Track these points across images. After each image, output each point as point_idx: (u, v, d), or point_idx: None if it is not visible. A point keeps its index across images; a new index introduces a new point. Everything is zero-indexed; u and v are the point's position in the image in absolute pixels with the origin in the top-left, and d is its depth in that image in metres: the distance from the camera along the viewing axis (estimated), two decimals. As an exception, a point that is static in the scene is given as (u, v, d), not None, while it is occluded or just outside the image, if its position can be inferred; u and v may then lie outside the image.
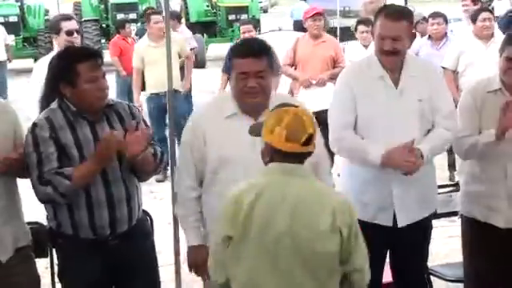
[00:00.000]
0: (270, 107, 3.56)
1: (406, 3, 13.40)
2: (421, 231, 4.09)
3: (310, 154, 3.03)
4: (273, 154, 3.01)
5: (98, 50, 3.98)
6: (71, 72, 3.65)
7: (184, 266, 4.33)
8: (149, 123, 4.30)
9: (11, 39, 14.41)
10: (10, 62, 15.06)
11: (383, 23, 3.97)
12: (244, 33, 7.10)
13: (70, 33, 6.00)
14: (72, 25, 6.11)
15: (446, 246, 4.48)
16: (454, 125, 4.01)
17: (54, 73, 3.81)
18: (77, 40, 5.95)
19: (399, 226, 3.99)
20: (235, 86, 3.66)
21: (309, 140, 2.95)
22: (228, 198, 3.03)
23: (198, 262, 3.75)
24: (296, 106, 3.13)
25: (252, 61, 3.59)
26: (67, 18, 6.57)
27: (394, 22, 3.92)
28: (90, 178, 3.63)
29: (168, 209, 4.81)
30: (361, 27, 8.83)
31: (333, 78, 7.94)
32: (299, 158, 3.01)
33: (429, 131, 3.99)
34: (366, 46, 8.35)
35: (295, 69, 8.13)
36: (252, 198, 2.96)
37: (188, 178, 3.78)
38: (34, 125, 3.67)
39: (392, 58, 3.95)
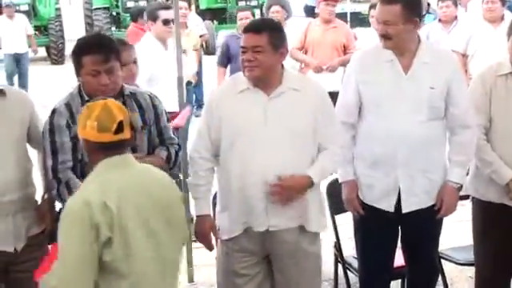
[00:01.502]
0: (284, 84, 3.72)
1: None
2: (429, 218, 4.06)
3: (128, 140, 3.06)
4: (95, 150, 3.03)
5: (110, 43, 3.91)
6: (78, 63, 3.69)
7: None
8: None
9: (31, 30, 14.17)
10: (36, 53, 15.01)
11: (378, 7, 4.01)
12: (241, 19, 7.03)
13: (166, 22, 6.17)
14: (169, 14, 6.22)
15: (455, 230, 4.49)
16: (472, 118, 3.99)
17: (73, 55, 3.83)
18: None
19: (403, 211, 3.98)
20: (240, 61, 3.75)
21: (120, 127, 2.95)
22: (79, 203, 2.95)
23: (206, 230, 3.85)
24: None
25: (250, 35, 3.70)
26: (166, 7, 6.68)
27: (386, 5, 3.93)
28: None
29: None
30: (373, 12, 8.80)
31: (343, 64, 7.97)
32: (120, 147, 3.03)
33: (436, 119, 3.97)
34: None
35: (305, 53, 8.14)
36: (108, 199, 2.93)
37: (204, 150, 3.81)
38: (54, 111, 3.70)
39: (385, 42, 3.94)
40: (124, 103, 3.70)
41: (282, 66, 3.82)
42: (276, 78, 3.73)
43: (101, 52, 3.64)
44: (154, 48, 6.39)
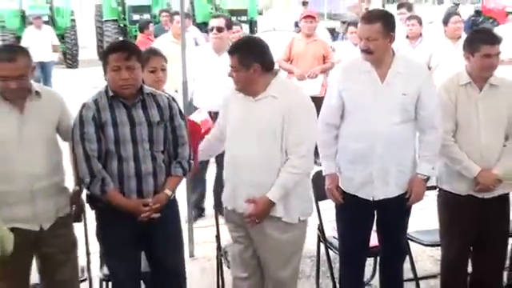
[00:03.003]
0: (268, 90, 3.80)
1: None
2: (400, 205, 4.08)
3: None
4: None
5: (132, 46, 3.95)
6: (105, 61, 3.73)
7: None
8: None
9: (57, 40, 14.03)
10: (59, 60, 14.86)
11: (360, 25, 4.03)
12: (212, 29, 7.01)
13: (211, 29, 6.28)
14: (215, 22, 6.32)
15: (420, 217, 4.53)
16: (438, 120, 4.03)
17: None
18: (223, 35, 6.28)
19: (375, 199, 4.02)
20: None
21: None
22: None
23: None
24: None
25: (229, 57, 3.84)
26: (215, 16, 6.81)
27: (368, 24, 3.94)
28: (114, 204, 3.72)
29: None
30: (351, 28, 8.88)
31: (322, 72, 8.10)
32: None
33: (408, 121, 3.99)
34: (355, 45, 8.37)
35: (290, 63, 8.21)
36: None
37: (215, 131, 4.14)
38: (83, 105, 3.72)
39: (366, 56, 3.96)
40: (143, 101, 3.75)
41: (276, 74, 3.90)
42: (259, 87, 3.81)
43: (123, 51, 3.69)
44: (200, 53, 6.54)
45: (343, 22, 8.79)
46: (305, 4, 16.41)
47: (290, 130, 3.74)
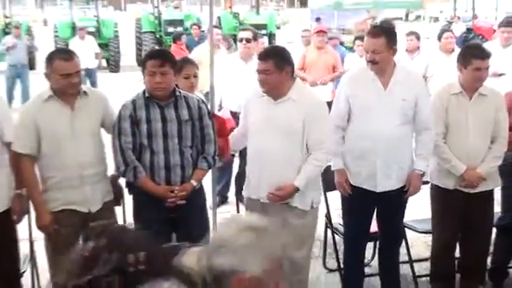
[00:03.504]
0: (289, 94, 3.78)
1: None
2: (398, 197, 4.07)
3: None
4: None
5: (167, 54, 3.98)
6: (144, 66, 3.74)
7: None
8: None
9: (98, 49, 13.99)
10: (100, 68, 14.70)
11: (366, 39, 4.01)
12: (241, 40, 6.83)
13: (241, 40, 6.30)
14: (244, 34, 6.36)
15: (414, 207, 4.50)
16: (431, 123, 4.03)
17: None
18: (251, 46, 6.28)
19: (378, 191, 4.00)
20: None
21: None
22: None
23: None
24: None
25: (260, 62, 3.77)
26: (244, 29, 6.81)
27: (373, 38, 3.92)
28: (144, 189, 3.75)
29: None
30: (358, 42, 8.85)
31: (332, 79, 8.07)
32: None
33: (406, 123, 3.97)
34: (361, 56, 8.34)
35: (304, 72, 8.18)
36: None
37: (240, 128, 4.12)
38: (123, 105, 3.76)
39: (372, 66, 3.94)
40: (175, 102, 3.76)
41: (295, 79, 3.88)
42: (284, 90, 3.79)
43: (158, 58, 3.71)
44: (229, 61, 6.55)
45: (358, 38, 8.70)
46: (318, 20, 16.32)
47: (311, 130, 3.74)
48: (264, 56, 3.80)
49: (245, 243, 1.81)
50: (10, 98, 11.39)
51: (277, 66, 3.71)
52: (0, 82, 11.32)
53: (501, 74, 6.73)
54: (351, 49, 10.51)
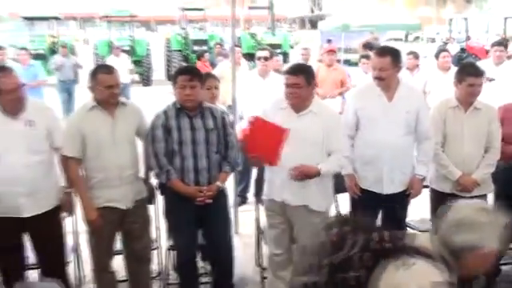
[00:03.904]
0: (310, 107, 3.74)
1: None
2: (401, 199, 4.06)
3: None
4: None
5: (195, 70, 4.01)
6: (175, 80, 3.77)
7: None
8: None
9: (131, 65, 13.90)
10: (133, 83, 14.45)
11: (373, 58, 4.01)
12: (259, 59, 6.51)
13: (259, 58, 6.33)
14: (262, 53, 6.36)
15: (415, 208, 4.46)
16: (431, 133, 4.02)
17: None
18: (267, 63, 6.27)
19: (384, 193, 3.99)
20: (284, 92, 3.75)
21: None
22: None
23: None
24: None
25: (290, 77, 3.69)
26: (262, 49, 6.79)
27: (380, 57, 3.91)
28: (176, 190, 3.76)
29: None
30: (363, 60, 8.82)
31: (340, 93, 8.05)
32: None
33: (409, 133, 3.96)
34: (366, 73, 8.32)
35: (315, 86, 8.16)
36: None
37: None
38: (156, 115, 3.79)
39: (379, 82, 3.92)
40: (202, 113, 3.78)
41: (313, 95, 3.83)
42: (308, 103, 3.75)
43: (188, 74, 3.75)
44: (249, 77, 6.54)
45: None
46: (329, 41, 16.27)
47: (330, 139, 3.73)
48: (295, 71, 3.74)
49: (484, 221, 1.97)
50: (67, 109, 11.39)
51: (307, 80, 3.69)
52: (52, 94, 11.39)
53: (491, 80, 6.73)
54: (356, 64, 10.49)
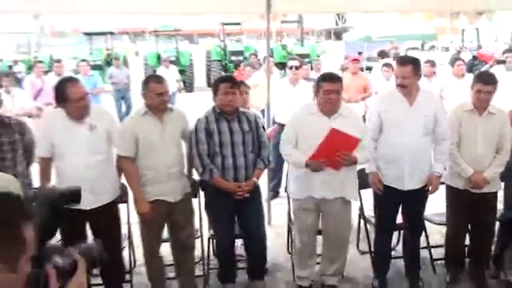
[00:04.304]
0: (339, 112, 3.76)
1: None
2: (420, 194, 3.99)
3: None
4: None
5: (234, 79, 4.02)
6: (217, 87, 3.78)
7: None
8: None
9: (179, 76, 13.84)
10: (180, 91, 14.21)
11: (396, 67, 3.94)
12: (291, 68, 6.48)
13: (290, 67, 6.30)
14: (293, 63, 6.40)
15: (432, 203, 4.37)
16: (448, 134, 3.95)
17: (212, 87, 3.94)
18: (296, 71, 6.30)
19: (405, 189, 3.92)
20: (322, 97, 3.73)
21: None
22: None
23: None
24: None
25: (331, 84, 3.71)
26: (292, 59, 6.84)
27: (402, 66, 3.85)
28: (218, 186, 3.77)
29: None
30: (384, 68, 8.69)
31: (363, 98, 7.97)
32: None
33: (428, 134, 3.88)
34: (387, 79, 8.20)
35: (341, 92, 8.12)
36: None
37: (290, 143, 3.85)
38: (198, 120, 3.81)
39: (402, 89, 3.86)
40: (238, 117, 3.80)
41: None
42: (338, 107, 3.79)
43: (230, 82, 3.79)
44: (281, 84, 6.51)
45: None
46: (360, 53, 16.15)
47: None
48: (335, 79, 3.77)
49: None
50: (121, 114, 11.58)
51: (341, 87, 3.76)
52: (108, 100, 11.57)
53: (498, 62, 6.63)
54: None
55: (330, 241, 4.06)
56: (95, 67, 15.83)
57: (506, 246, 4.42)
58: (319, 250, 4.21)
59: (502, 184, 4.22)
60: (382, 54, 11.03)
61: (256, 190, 3.94)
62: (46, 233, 1.30)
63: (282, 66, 20.54)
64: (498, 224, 4.34)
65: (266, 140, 3.94)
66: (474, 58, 20.38)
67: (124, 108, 11.92)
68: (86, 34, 21.17)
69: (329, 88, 3.68)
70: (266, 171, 5.29)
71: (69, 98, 3.48)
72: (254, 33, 30.69)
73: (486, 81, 3.97)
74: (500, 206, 4.30)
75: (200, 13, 8.58)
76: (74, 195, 2.06)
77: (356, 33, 25.65)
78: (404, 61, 3.91)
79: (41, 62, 10.14)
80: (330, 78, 3.76)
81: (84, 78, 9.05)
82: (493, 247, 4.34)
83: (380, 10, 7.46)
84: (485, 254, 4.25)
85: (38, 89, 8.48)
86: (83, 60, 10.97)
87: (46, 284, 1.27)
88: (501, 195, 4.25)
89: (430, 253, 4.48)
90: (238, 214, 3.95)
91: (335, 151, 3.64)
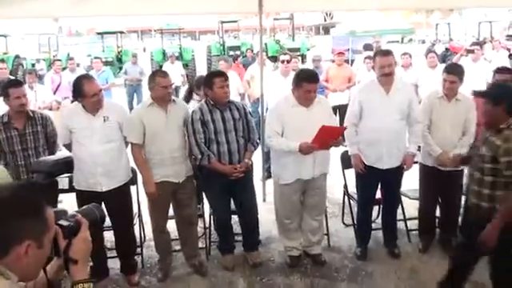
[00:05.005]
0: (314, 103, 3.75)
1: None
2: (397, 172, 4.03)
3: None
4: None
5: (224, 72, 4.01)
6: (211, 82, 3.76)
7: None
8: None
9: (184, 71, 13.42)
10: (184, 86, 13.78)
11: (380, 58, 3.90)
12: (283, 62, 6.42)
13: (282, 61, 6.22)
14: (284, 57, 6.29)
15: (407, 180, 4.41)
16: (421, 118, 3.99)
17: (204, 82, 3.89)
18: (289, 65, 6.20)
19: (384, 168, 3.95)
20: (302, 95, 3.72)
21: None
22: None
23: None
24: None
25: (312, 85, 3.71)
26: (284, 53, 6.72)
27: (386, 56, 3.86)
28: (215, 169, 3.75)
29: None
30: (366, 60, 8.62)
31: (348, 88, 7.95)
32: None
33: (403, 118, 3.91)
34: (369, 70, 8.16)
35: (327, 82, 8.08)
36: None
37: (277, 133, 3.81)
38: (193, 111, 3.79)
39: (385, 78, 3.86)
40: (229, 107, 3.81)
41: None
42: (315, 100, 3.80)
43: (223, 76, 3.78)
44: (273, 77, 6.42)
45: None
46: (367, 47, 15.91)
47: (332, 122, 3.87)
48: (315, 79, 3.76)
49: None
50: (131, 107, 11.46)
51: (318, 84, 3.81)
52: (118, 93, 11.46)
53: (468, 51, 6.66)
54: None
55: (313, 213, 4.09)
56: (107, 63, 15.72)
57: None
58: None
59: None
60: (367, 47, 10.96)
61: (248, 170, 3.96)
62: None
63: (275, 59, 20.51)
64: (463, 198, 4.38)
65: (253, 125, 3.97)
66: (447, 49, 20.30)
67: (136, 102, 11.82)
68: (99, 33, 20.97)
69: (309, 88, 3.70)
70: (260, 155, 5.36)
71: (85, 93, 3.52)
72: (250, 29, 30.45)
73: (450, 71, 4.02)
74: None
75: (200, 13, 8.52)
76: (67, 164, 2.11)
77: (342, 28, 25.46)
78: (385, 52, 3.94)
79: (59, 60, 10.08)
80: (311, 79, 3.73)
81: (97, 74, 9.02)
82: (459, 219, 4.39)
83: (363, 7, 7.40)
84: (453, 225, 4.28)
85: (57, 84, 8.52)
86: (96, 57, 10.88)
87: (55, 241, 1.32)
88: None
89: (406, 224, 4.53)
90: (233, 193, 3.97)
91: (327, 139, 3.67)
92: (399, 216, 4.41)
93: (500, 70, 4.23)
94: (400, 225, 4.45)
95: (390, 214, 4.26)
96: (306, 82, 3.70)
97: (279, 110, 3.84)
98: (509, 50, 15.22)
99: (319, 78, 3.90)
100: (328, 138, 3.66)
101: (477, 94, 3.25)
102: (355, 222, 4.42)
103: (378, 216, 4.62)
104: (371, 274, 3.96)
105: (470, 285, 3.37)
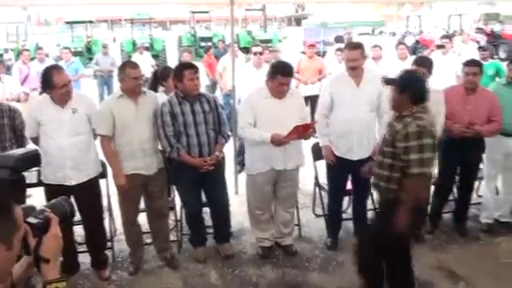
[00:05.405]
0: (287, 96, 3.76)
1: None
2: (367, 163, 4.04)
3: None
4: None
5: (194, 64, 3.97)
6: (181, 74, 3.71)
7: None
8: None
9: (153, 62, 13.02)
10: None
11: (348, 52, 3.94)
12: (255, 54, 6.33)
13: (254, 53, 6.20)
14: (256, 49, 6.31)
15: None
16: (387, 108, 3.94)
17: (174, 74, 3.83)
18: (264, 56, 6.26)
19: (355, 159, 3.98)
20: (276, 88, 3.74)
21: None
22: None
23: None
24: None
25: (287, 78, 3.74)
26: (256, 45, 6.76)
27: (353, 50, 3.89)
28: (185, 162, 3.73)
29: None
30: (337, 52, 8.68)
31: (319, 80, 7.98)
32: None
33: (373, 110, 3.96)
34: (339, 62, 8.21)
35: (298, 74, 8.09)
36: None
37: (250, 123, 3.81)
38: (162, 104, 3.75)
39: (352, 71, 3.90)
40: (199, 99, 3.78)
41: None
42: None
43: (193, 68, 3.74)
44: (245, 68, 6.39)
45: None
46: (339, 40, 16.04)
47: (304, 116, 3.86)
48: (290, 73, 3.80)
49: None
50: (102, 99, 11.16)
51: (292, 78, 3.85)
52: (88, 84, 11.19)
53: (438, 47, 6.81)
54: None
55: (286, 205, 4.12)
56: (76, 54, 15.34)
57: (440, 205, 4.59)
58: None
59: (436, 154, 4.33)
60: (338, 39, 11.03)
61: (219, 163, 3.94)
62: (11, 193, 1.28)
63: (247, 50, 20.48)
64: (432, 187, 4.48)
65: (224, 117, 3.94)
66: (417, 42, 20.70)
67: (106, 94, 11.57)
68: (68, 22, 20.46)
69: (283, 81, 3.71)
70: (233, 147, 5.35)
71: (54, 84, 3.43)
72: (222, 20, 30.26)
73: (419, 63, 4.09)
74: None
75: (171, 2, 8.40)
76: (35, 158, 2.05)
77: (314, 19, 25.59)
78: (354, 46, 3.96)
79: (27, 50, 9.78)
80: (286, 73, 3.75)
81: (66, 64, 8.79)
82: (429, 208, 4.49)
83: (334, -1, 7.45)
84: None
85: (25, 75, 8.27)
86: (65, 47, 10.60)
87: (25, 240, 1.27)
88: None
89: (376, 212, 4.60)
90: (204, 186, 3.95)
91: (299, 132, 3.68)
92: (369, 206, 4.46)
93: (469, 63, 4.29)
94: (370, 214, 4.50)
95: (361, 205, 4.31)
96: (281, 75, 3.71)
97: (252, 101, 3.84)
98: (478, 42, 15.63)
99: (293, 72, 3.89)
100: (300, 133, 3.70)
101: (386, 81, 3.33)
102: (326, 212, 4.47)
103: (348, 206, 4.68)
104: (342, 263, 4.02)
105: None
